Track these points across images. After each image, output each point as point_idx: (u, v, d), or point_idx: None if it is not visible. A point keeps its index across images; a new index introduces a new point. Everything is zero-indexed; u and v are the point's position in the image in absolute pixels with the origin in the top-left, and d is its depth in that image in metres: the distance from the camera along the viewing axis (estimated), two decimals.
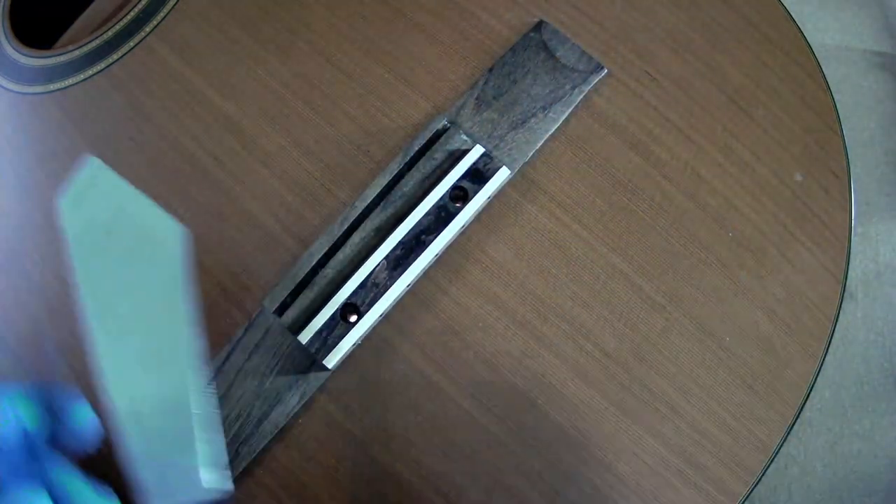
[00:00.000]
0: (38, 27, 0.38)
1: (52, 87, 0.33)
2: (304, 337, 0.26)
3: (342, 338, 0.26)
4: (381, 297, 0.26)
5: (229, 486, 0.26)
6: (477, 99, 0.29)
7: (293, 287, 0.27)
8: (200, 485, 0.22)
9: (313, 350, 0.26)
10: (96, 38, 0.33)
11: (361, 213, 0.27)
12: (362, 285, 0.27)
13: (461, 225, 0.27)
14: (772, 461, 0.28)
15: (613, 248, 0.28)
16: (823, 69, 0.32)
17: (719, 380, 0.28)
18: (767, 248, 0.29)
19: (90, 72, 0.33)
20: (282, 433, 0.27)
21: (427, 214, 0.27)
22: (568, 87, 0.30)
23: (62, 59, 0.33)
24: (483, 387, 0.27)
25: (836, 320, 0.29)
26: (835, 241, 0.30)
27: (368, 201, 0.27)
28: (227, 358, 0.27)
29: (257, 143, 0.30)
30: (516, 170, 0.29)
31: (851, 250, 0.30)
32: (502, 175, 0.28)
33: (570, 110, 0.30)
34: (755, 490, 0.28)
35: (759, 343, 0.28)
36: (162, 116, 0.31)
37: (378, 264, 0.27)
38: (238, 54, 0.31)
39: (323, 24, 0.31)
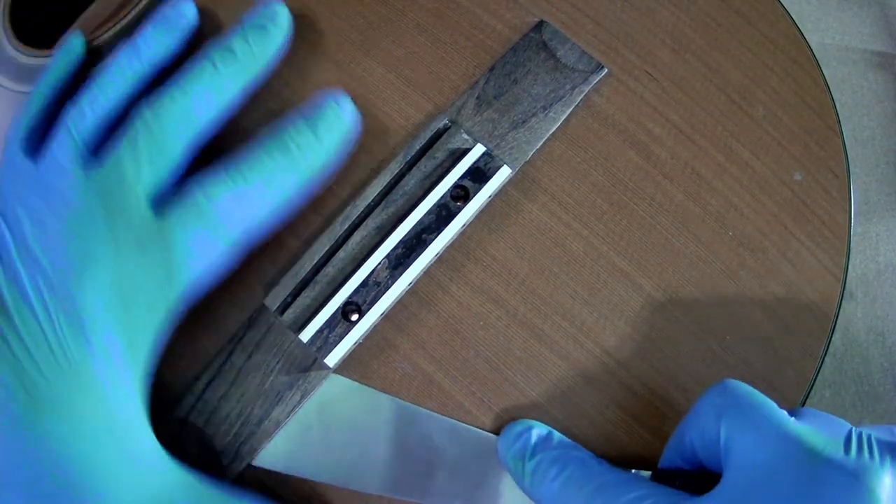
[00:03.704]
0: (38, 27, 0.38)
1: None
2: (306, 336, 0.26)
3: (343, 336, 0.26)
4: (382, 295, 0.27)
5: None
6: (478, 98, 0.29)
7: (294, 286, 0.27)
8: None
9: (314, 349, 0.26)
10: (97, 37, 0.33)
11: (363, 212, 0.27)
12: (363, 284, 0.27)
13: (462, 224, 0.28)
14: None
15: (614, 247, 0.29)
16: (823, 69, 0.32)
17: (719, 379, 0.28)
18: (767, 247, 0.29)
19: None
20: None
21: (428, 213, 0.27)
22: (568, 86, 0.30)
23: None
24: (484, 385, 0.27)
25: (836, 320, 0.29)
26: (835, 240, 0.30)
27: (370, 200, 0.28)
28: (229, 357, 0.27)
29: None
30: (517, 169, 0.29)
31: (851, 250, 0.30)
32: (503, 174, 0.28)
33: (570, 110, 0.30)
34: None
35: (760, 342, 0.28)
36: None
37: (379, 263, 0.27)
38: None
39: (323, 24, 0.31)
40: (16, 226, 0.24)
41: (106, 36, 0.33)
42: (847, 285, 0.30)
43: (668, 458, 0.25)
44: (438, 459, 0.26)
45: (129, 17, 0.33)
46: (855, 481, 0.20)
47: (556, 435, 0.26)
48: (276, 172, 0.25)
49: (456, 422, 0.27)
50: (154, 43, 0.28)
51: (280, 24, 0.28)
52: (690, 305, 0.28)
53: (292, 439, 0.26)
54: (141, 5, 0.33)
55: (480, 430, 0.27)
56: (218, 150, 0.27)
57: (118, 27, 0.33)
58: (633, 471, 0.25)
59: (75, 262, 0.23)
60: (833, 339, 0.29)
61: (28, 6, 0.37)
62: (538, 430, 0.26)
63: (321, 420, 0.27)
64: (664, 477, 0.25)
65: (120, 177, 0.24)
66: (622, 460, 0.27)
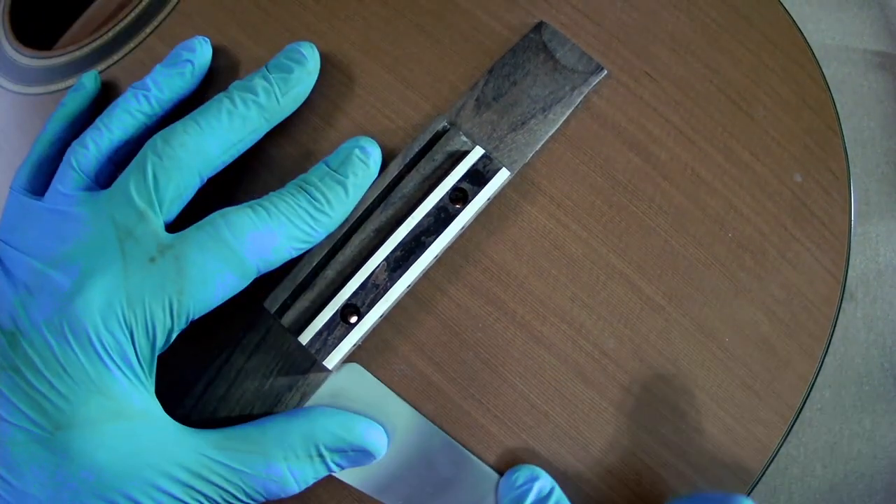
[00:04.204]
0: (38, 27, 0.38)
1: (52, 87, 0.33)
2: (305, 338, 0.26)
3: (342, 339, 0.26)
4: (381, 297, 0.27)
5: None
6: (477, 100, 0.29)
7: (294, 288, 0.27)
8: None
9: (313, 351, 0.26)
10: (97, 38, 0.33)
11: (361, 215, 0.27)
12: (362, 286, 0.27)
13: (461, 226, 0.27)
14: (771, 462, 0.28)
15: (613, 249, 0.29)
16: (823, 69, 0.32)
17: (718, 380, 0.28)
18: (767, 249, 0.29)
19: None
20: None
21: (427, 216, 0.27)
22: (568, 88, 0.30)
23: (62, 59, 0.33)
24: (482, 387, 0.27)
25: (836, 320, 0.29)
26: (835, 241, 0.30)
27: (369, 202, 0.28)
28: (228, 359, 0.27)
29: (257, 145, 0.30)
30: (516, 171, 0.29)
31: (851, 250, 0.30)
32: (502, 176, 0.28)
33: (569, 111, 0.30)
34: (755, 491, 0.28)
35: (759, 343, 0.28)
36: None
37: (378, 265, 0.27)
38: (238, 55, 0.31)
39: (323, 25, 0.31)
40: (23, 254, 0.24)
41: (107, 36, 0.33)
42: (847, 286, 0.30)
43: None
44: (434, 477, 0.26)
45: (130, 17, 0.33)
46: None
47: (557, 493, 0.26)
48: (302, 218, 0.26)
49: (462, 447, 0.27)
50: (163, 82, 0.28)
51: (307, 68, 0.28)
52: (689, 307, 0.28)
53: None
54: (141, 5, 0.33)
55: (483, 463, 0.27)
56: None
57: (118, 27, 0.33)
58: None
59: (84, 278, 0.23)
60: (833, 339, 0.29)
61: (28, 6, 0.37)
62: (541, 483, 0.26)
63: (333, 405, 0.27)
64: None
65: (126, 197, 0.24)
66: (621, 463, 0.27)
